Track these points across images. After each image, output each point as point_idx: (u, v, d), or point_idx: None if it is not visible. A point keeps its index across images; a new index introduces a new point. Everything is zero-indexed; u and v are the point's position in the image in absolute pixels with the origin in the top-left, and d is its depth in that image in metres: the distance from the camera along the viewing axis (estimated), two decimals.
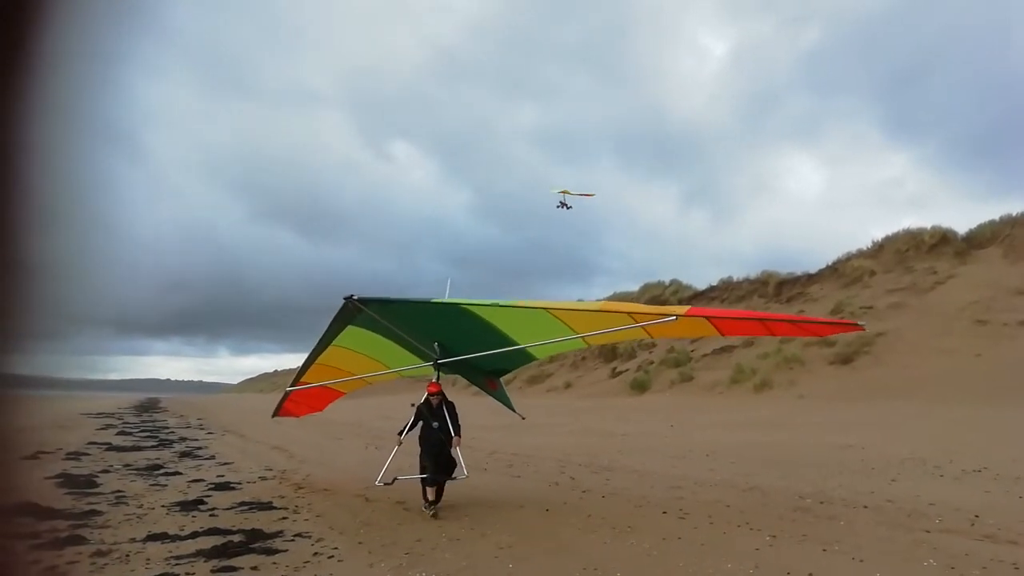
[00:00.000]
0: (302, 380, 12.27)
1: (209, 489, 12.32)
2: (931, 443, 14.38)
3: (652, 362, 38.60)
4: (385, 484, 10.13)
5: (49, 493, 11.41)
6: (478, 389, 13.23)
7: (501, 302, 9.36)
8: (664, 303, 48.32)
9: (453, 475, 10.03)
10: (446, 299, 9.74)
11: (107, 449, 19.85)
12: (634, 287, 54.82)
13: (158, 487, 12.69)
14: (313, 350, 11.47)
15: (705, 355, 35.79)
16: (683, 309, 8.60)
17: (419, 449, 10.09)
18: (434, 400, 10.13)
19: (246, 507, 10.46)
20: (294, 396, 12.96)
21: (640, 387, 35.52)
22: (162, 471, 15.04)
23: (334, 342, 11.11)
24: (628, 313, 9.11)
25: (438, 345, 10.68)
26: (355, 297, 9.74)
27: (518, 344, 10.35)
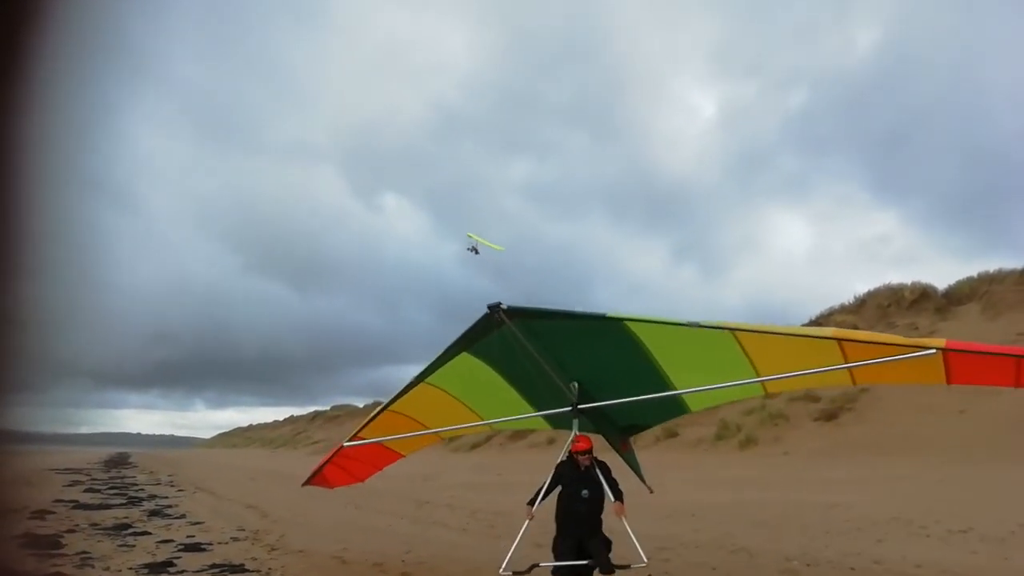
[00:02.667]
0: (361, 434, 9.74)
1: (179, 550, 11.87)
2: (916, 502, 14.25)
3: None
4: (516, 574, 7.60)
5: (12, 555, 10.94)
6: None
7: (672, 319, 6.92)
8: None
9: (611, 563, 7.20)
10: (612, 313, 7.15)
11: (74, 507, 19.17)
12: None
13: (126, 548, 12.21)
14: (400, 392, 9.15)
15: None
16: (940, 341, 5.95)
17: (554, 524, 7.74)
18: (583, 460, 7.56)
19: (217, 569, 10.08)
20: (342, 456, 10.13)
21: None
22: (130, 531, 14.51)
23: (428, 379, 8.76)
24: (857, 342, 6.21)
25: (576, 385, 8.18)
26: (504, 306, 7.38)
27: (673, 386, 7.77)
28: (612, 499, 7.51)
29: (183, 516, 17.67)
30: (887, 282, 39.58)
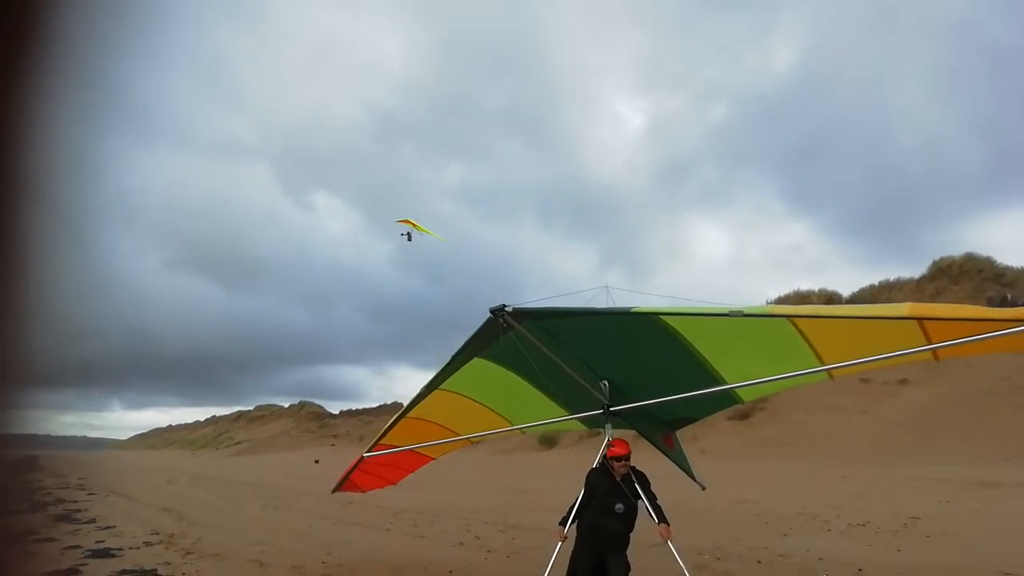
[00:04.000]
0: (384, 442, 9.19)
1: (86, 556, 11.41)
2: (821, 498, 15.06)
3: None
4: None
5: None
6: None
7: (712, 310, 5.94)
8: None
9: None
10: (640, 308, 6.21)
11: None
12: None
13: (25, 555, 11.64)
14: (412, 400, 8.58)
15: None
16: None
17: (577, 535, 6.76)
18: (620, 468, 6.64)
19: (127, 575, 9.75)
20: (367, 464, 9.59)
21: (549, 442, 35.58)
22: (33, 537, 13.82)
23: (443, 384, 8.11)
24: (942, 320, 5.13)
25: (607, 384, 7.47)
26: (509, 308, 6.59)
27: (723, 379, 6.77)
28: (655, 519, 6.54)
29: (93, 521, 16.93)
30: (797, 288, 41.38)
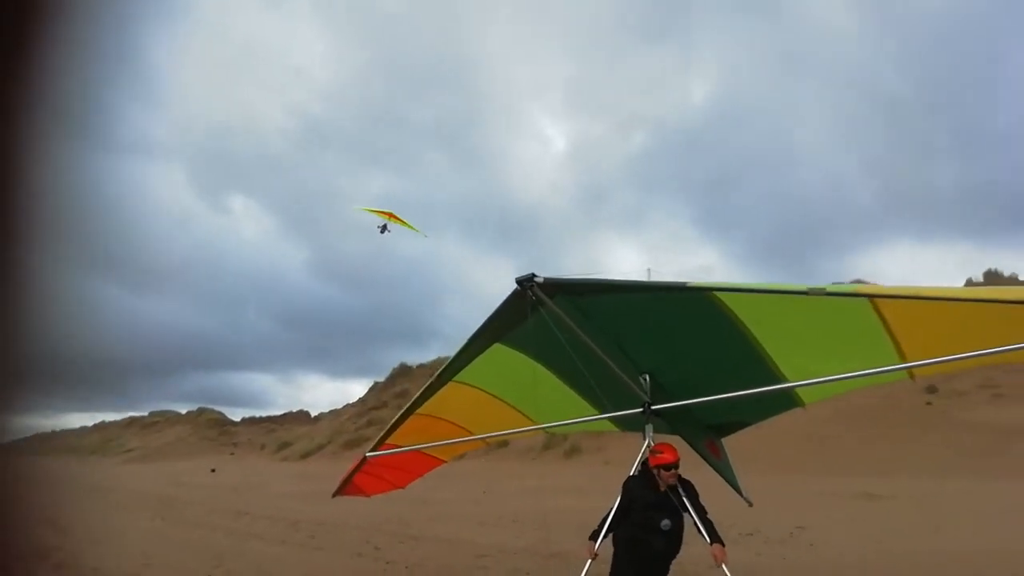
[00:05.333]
0: (389, 442, 8.13)
1: None
2: (718, 508, 15.49)
3: None
4: None
5: None
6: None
7: (797, 287, 4.79)
8: None
9: None
10: (698, 283, 5.26)
11: None
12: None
13: None
14: (422, 392, 7.52)
15: None
16: None
17: (615, 554, 5.79)
18: (669, 478, 5.63)
19: None
20: (371, 465, 8.57)
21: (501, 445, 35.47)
22: None
23: (457, 376, 7.05)
24: None
25: (647, 379, 6.49)
26: (539, 279, 5.56)
27: (783, 375, 5.77)
28: (706, 538, 5.58)
29: None
30: None
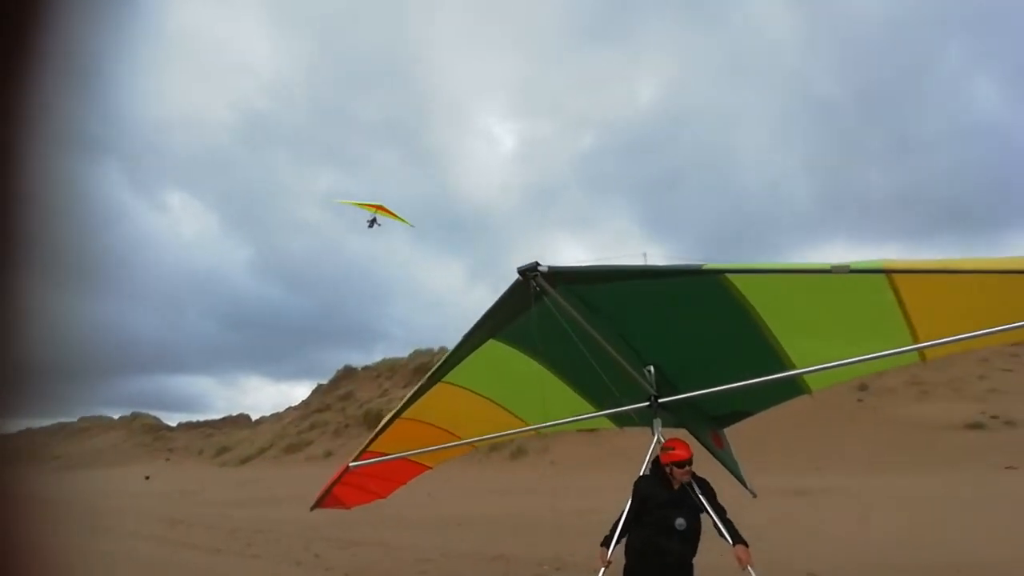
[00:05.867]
0: (371, 450, 7.64)
1: None
2: None
3: None
4: None
5: None
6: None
7: (821, 265, 4.59)
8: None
9: None
10: (714, 265, 4.99)
11: None
12: (405, 354, 54.87)
13: None
14: (410, 395, 7.05)
15: None
16: None
17: (627, 561, 5.47)
18: (683, 475, 5.38)
19: None
20: (352, 475, 8.02)
21: None
22: None
23: (447, 377, 6.70)
24: None
25: (652, 371, 6.20)
26: (543, 268, 5.22)
27: (790, 361, 5.61)
28: (728, 540, 5.30)
29: None
30: None
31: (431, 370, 6.78)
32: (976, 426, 24.08)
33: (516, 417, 7.32)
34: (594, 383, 6.36)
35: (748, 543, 5.24)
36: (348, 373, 55.50)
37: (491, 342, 6.26)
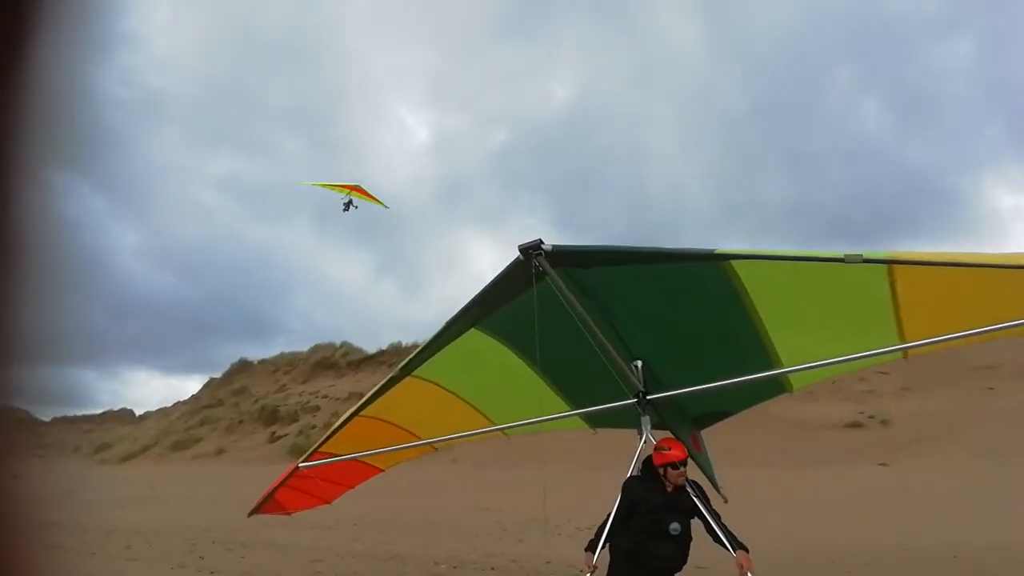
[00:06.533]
0: (323, 450, 7.06)
1: None
2: (558, 504, 15.97)
3: (315, 426, 37.46)
4: None
5: None
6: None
7: (835, 254, 4.45)
8: (334, 366, 47.68)
9: None
10: (727, 250, 4.77)
11: None
12: (304, 348, 53.28)
13: None
14: (376, 390, 6.47)
15: None
16: None
17: (612, 565, 5.23)
18: (677, 477, 5.13)
19: None
20: (298, 478, 7.32)
21: (301, 452, 33.98)
22: None
23: (418, 370, 6.20)
24: None
25: (640, 365, 5.85)
26: (547, 247, 4.80)
27: (778, 358, 5.48)
28: (728, 547, 4.95)
29: None
30: None
31: (403, 362, 6.26)
32: (855, 425, 25.77)
33: (484, 416, 6.85)
34: (575, 380, 6.09)
35: (748, 548, 4.93)
36: (243, 367, 53.34)
37: (473, 331, 5.79)
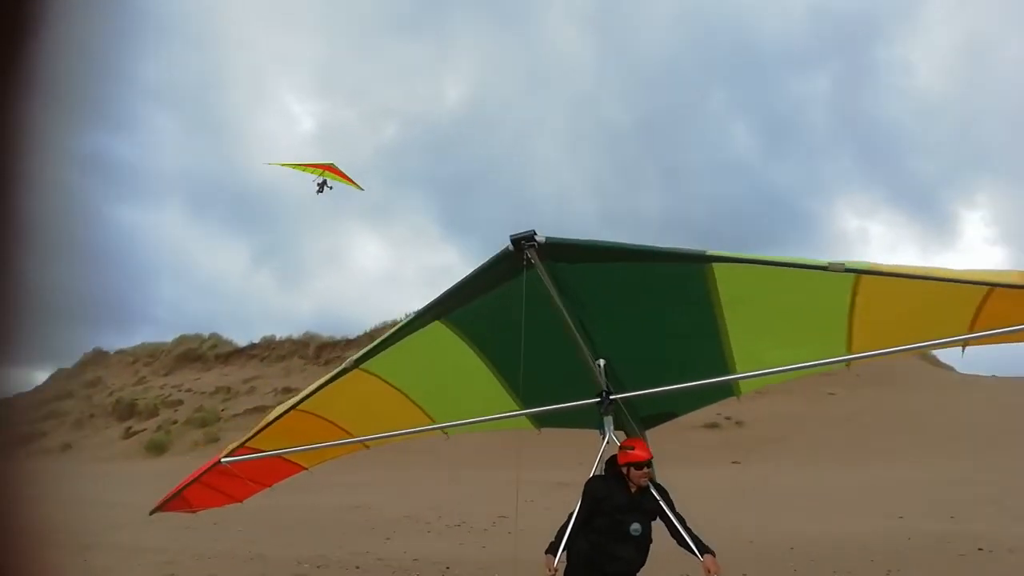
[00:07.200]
0: (252, 445, 6.52)
1: None
2: (427, 501, 16.02)
3: (176, 421, 35.43)
4: None
5: None
6: None
7: (819, 261, 4.57)
8: (200, 358, 45.28)
9: None
10: (717, 252, 4.80)
11: None
12: (169, 339, 50.15)
13: None
14: (325, 380, 6.04)
15: (236, 415, 34.32)
16: None
17: (570, 566, 5.23)
18: (641, 478, 5.16)
19: None
20: (216, 474, 6.74)
21: (158, 449, 32.22)
22: None
23: (366, 364, 5.85)
24: None
25: (603, 364, 5.78)
26: (540, 238, 4.71)
27: (733, 363, 5.64)
28: (694, 551, 4.97)
29: None
30: None
31: (358, 353, 5.93)
32: (712, 426, 27.38)
33: (427, 415, 6.65)
34: (534, 379, 5.75)
35: (715, 552, 4.97)
36: (98, 357, 49.45)
37: (436, 324, 5.60)
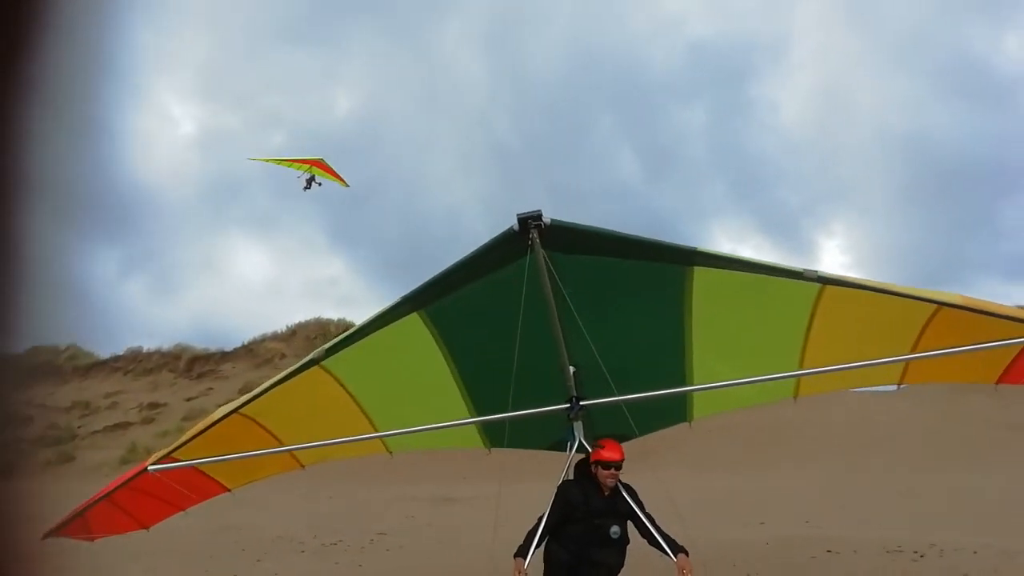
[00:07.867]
0: (176, 454, 5.67)
1: None
2: (303, 519, 15.45)
3: (23, 440, 32.40)
4: None
5: None
6: None
7: (795, 268, 4.67)
8: (56, 370, 41.74)
9: None
10: (708, 250, 4.79)
11: None
12: (20, 349, 45.89)
13: None
14: (279, 379, 5.46)
15: (95, 432, 31.84)
16: None
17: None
18: (610, 478, 5.09)
19: None
20: (132, 489, 5.83)
21: (2, 471, 29.31)
22: None
23: (325, 360, 5.35)
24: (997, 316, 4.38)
25: (573, 370, 5.60)
26: (547, 220, 4.51)
27: (691, 379, 5.63)
28: (667, 551, 4.95)
29: None
30: (318, 316, 42.36)
31: (329, 343, 5.48)
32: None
33: (369, 422, 6.12)
34: (497, 384, 5.42)
35: (688, 551, 4.97)
36: None
37: (413, 316, 5.24)
